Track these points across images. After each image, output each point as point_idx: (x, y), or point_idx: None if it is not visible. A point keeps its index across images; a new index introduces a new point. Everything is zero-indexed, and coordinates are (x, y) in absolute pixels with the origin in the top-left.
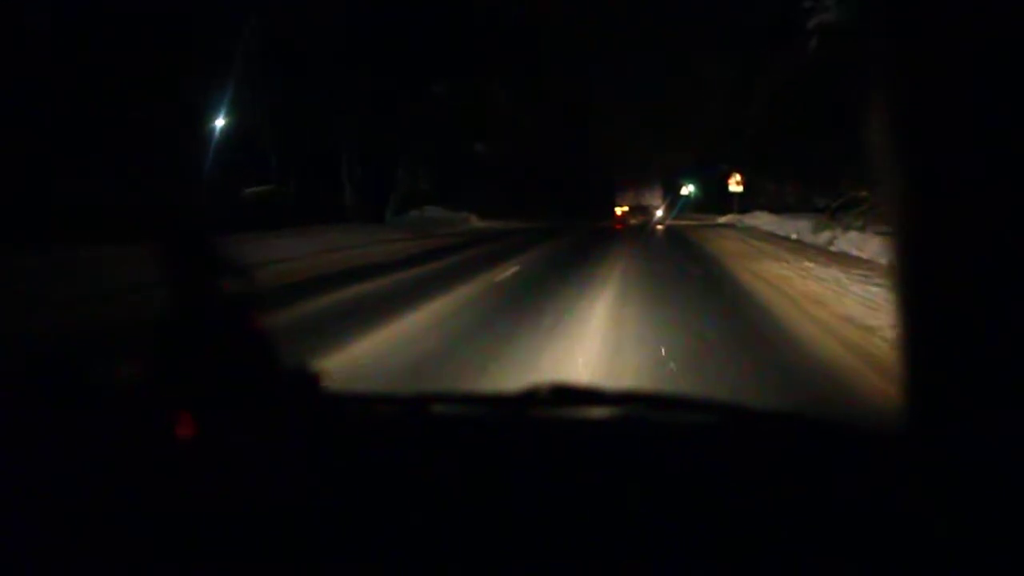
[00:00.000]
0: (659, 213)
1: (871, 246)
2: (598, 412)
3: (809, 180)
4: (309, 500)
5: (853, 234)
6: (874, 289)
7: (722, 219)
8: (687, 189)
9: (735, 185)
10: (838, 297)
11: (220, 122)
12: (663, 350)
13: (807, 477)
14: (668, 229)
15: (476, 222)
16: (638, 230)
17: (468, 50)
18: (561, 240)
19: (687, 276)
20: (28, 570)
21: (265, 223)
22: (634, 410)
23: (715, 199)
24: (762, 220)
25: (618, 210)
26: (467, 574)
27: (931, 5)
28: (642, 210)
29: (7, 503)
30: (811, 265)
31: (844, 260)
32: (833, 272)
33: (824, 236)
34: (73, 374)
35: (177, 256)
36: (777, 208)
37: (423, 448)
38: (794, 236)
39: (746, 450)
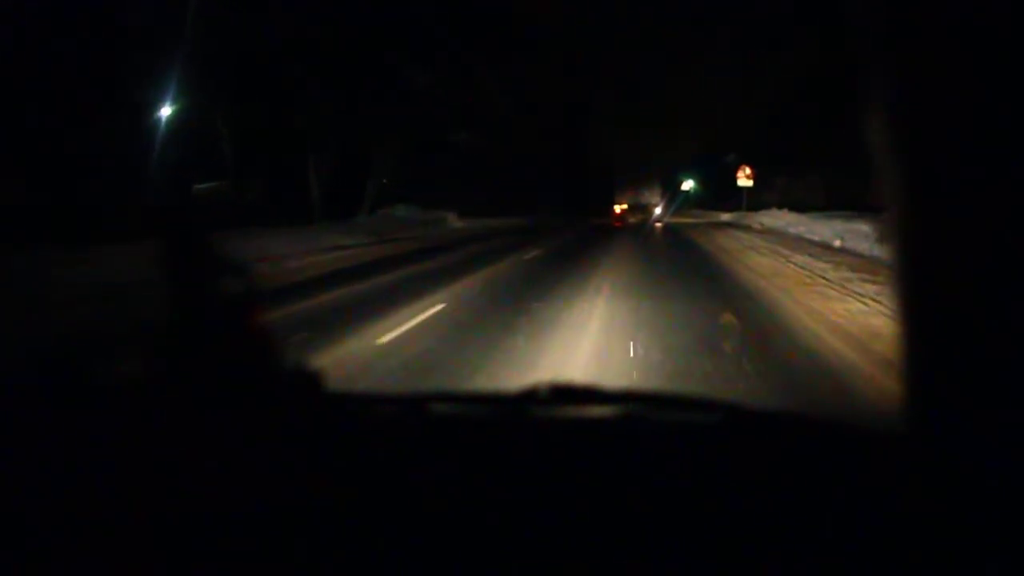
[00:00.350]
0: (658, 211)
1: None
2: (598, 411)
3: (849, 172)
4: (309, 500)
5: None
6: None
7: (725, 216)
8: (687, 185)
9: (744, 179)
10: None
11: (166, 111)
12: None
13: (807, 477)
14: (671, 231)
15: (455, 221)
16: (635, 231)
17: (450, 32)
18: (541, 246)
19: (719, 338)
20: (29, 570)
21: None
22: (634, 409)
23: (717, 194)
24: (784, 220)
25: (617, 208)
26: (467, 574)
27: (931, 5)
28: (641, 208)
29: (7, 503)
30: None
31: None
32: None
33: None
34: (73, 374)
35: (177, 256)
36: (790, 205)
37: (423, 448)
38: (837, 244)
39: (746, 450)
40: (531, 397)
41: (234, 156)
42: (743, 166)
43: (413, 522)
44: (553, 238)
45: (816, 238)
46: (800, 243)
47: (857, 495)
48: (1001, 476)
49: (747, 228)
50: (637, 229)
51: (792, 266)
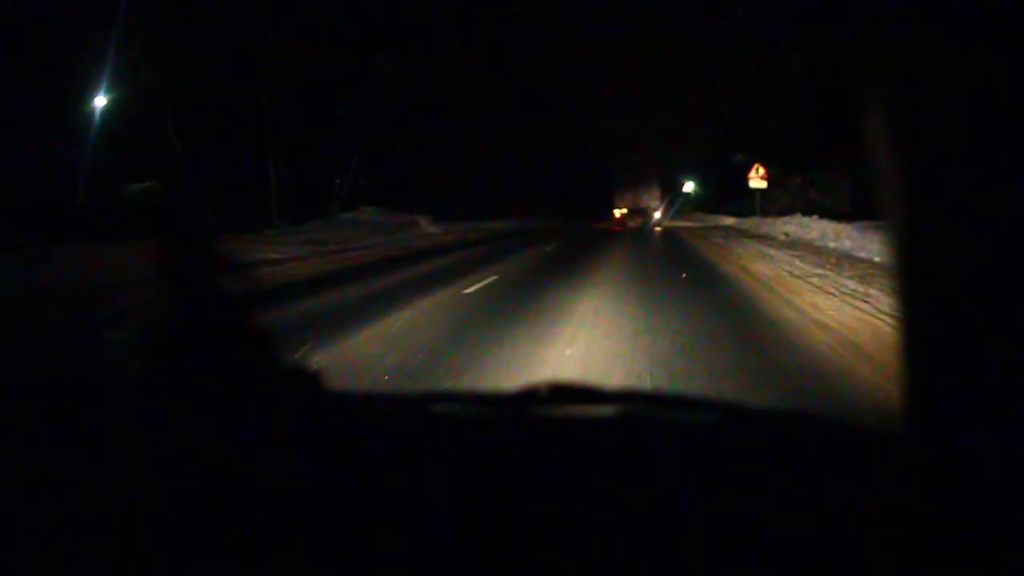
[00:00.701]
0: (657, 215)
1: None
2: (597, 411)
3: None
4: (309, 500)
5: None
6: None
7: (728, 220)
8: (688, 187)
9: (758, 180)
10: None
11: (101, 101)
12: None
13: (807, 477)
14: (676, 241)
15: (429, 227)
16: (634, 239)
17: (429, 17)
18: (505, 266)
19: None
20: (29, 570)
21: (109, 232)
22: (634, 409)
23: (719, 197)
24: (816, 230)
25: (617, 212)
26: (467, 574)
27: (930, 5)
28: (640, 212)
29: (7, 503)
30: None
31: None
32: None
33: None
34: (73, 374)
35: (176, 254)
36: (806, 209)
37: (423, 447)
38: None
39: (746, 450)
40: (531, 397)
41: (187, 154)
42: (756, 165)
43: (413, 522)
44: (531, 250)
45: (877, 258)
46: (860, 267)
47: (857, 495)
48: (1001, 476)
49: (767, 239)
50: (636, 235)
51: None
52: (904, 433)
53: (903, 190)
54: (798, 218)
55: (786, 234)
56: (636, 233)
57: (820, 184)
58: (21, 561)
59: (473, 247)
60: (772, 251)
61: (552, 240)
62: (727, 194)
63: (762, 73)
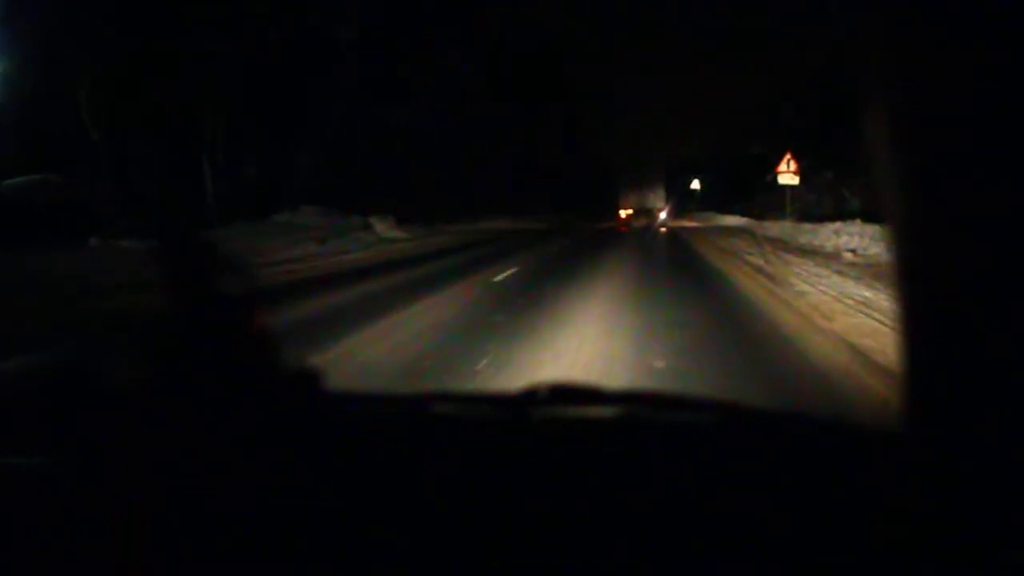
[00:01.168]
0: (662, 215)
1: None
2: (598, 412)
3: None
4: (309, 500)
5: None
6: None
7: (739, 221)
8: (695, 184)
9: (789, 176)
10: None
11: None
12: None
13: (807, 477)
14: (704, 272)
15: (389, 231)
16: (632, 257)
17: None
18: (395, 326)
19: None
20: (29, 570)
21: None
22: (634, 410)
23: (724, 193)
24: None
25: (622, 213)
26: (467, 574)
27: (930, 4)
28: (646, 212)
29: (7, 502)
30: None
31: None
32: None
33: None
34: (73, 374)
35: (176, 255)
36: (839, 210)
37: (423, 448)
38: None
39: (746, 450)
40: (531, 398)
41: (105, 140)
42: (788, 157)
43: (413, 522)
44: (480, 277)
45: None
46: None
47: (857, 495)
48: (1001, 476)
49: (820, 255)
50: (639, 243)
51: None
52: (904, 433)
53: (903, 189)
54: (858, 226)
55: (853, 251)
56: (639, 239)
57: (852, 183)
58: (21, 561)
59: (413, 266)
60: (858, 287)
61: (526, 252)
62: (737, 191)
63: (783, 58)
